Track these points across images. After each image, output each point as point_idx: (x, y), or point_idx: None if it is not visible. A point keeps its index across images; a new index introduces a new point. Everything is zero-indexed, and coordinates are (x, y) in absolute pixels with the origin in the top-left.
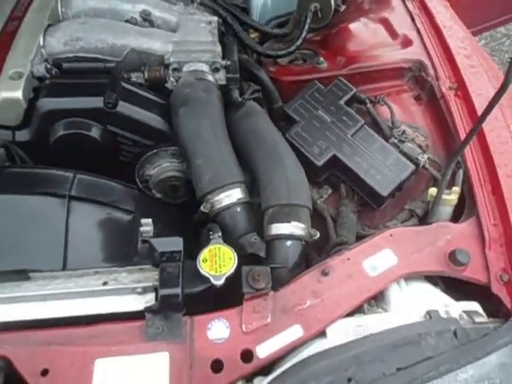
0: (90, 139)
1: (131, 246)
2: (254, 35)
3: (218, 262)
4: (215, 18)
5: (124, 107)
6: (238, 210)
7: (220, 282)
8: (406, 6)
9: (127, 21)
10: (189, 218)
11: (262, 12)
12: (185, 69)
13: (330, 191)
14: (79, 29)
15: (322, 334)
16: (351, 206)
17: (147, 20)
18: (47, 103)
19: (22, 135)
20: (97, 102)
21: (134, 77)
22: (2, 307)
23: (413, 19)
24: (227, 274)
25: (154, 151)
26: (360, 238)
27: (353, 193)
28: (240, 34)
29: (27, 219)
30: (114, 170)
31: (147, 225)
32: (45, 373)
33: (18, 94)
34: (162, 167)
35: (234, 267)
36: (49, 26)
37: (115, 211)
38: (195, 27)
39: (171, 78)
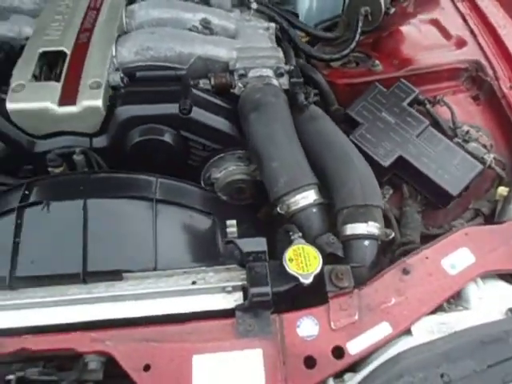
0: (164, 144)
1: (214, 246)
2: (303, 40)
3: (303, 261)
4: (273, 25)
5: (197, 113)
6: (314, 210)
7: (308, 281)
8: (456, 7)
9: (189, 29)
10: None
11: (307, 17)
12: (250, 74)
13: (391, 191)
14: (149, 38)
15: (407, 331)
16: (415, 206)
17: (207, 28)
18: (126, 111)
19: (99, 142)
20: (172, 108)
21: (202, 83)
22: (99, 306)
23: (465, 20)
24: (315, 273)
25: (222, 155)
26: (424, 237)
27: (416, 193)
28: (295, 39)
29: (118, 221)
30: (181, 174)
31: (232, 226)
32: (147, 368)
33: (99, 103)
34: (229, 170)
35: (320, 266)
36: (118, 36)
37: (196, 213)
38: (254, 34)
39: (239, 84)
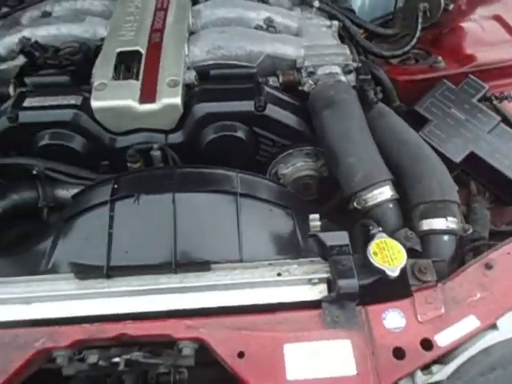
0: (238, 140)
1: (295, 239)
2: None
3: (388, 254)
4: (336, 22)
5: (272, 110)
6: (390, 206)
7: (395, 274)
8: None
9: (255, 28)
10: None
11: (359, 14)
12: (319, 72)
13: (456, 188)
14: (220, 38)
15: (492, 326)
16: (484, 202)
17: (271, 26)
18: (203, 108)
19: (174, 138)
20: (248, 105)
21: (271, 81)
22: (190, 295)
23: None
24: (401, 266)
25: (290, 151)
26: (493, 234)
27: (484, 189)
28: (356, 37)
29: (204, 214)
30: (249, 170)
31: (315, 220)
32: (241, 355)
33: (178, 101)
34: (297, 166)
35: (405, 259)
36: (188, 36)
37: (275, 207)
38: (318, 32)
39: (309, 81)
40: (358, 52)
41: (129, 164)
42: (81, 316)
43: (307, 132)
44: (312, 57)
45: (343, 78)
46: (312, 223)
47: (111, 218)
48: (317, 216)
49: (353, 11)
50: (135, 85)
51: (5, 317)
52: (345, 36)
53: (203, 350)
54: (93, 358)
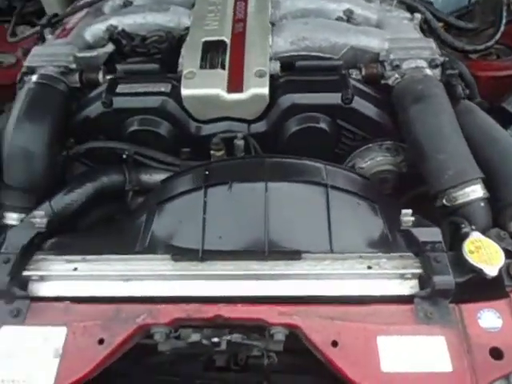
0: (321, 132)
1: (383, 233)
2: None
3: (485, 253)
4: (418, 15)
5: (358, 103)
6: (482, 204)
7: (493, 274)
8: None
9: (336, 20)
10: None
11: None
12: (404, 66)
13: None
14: (304, 29)
15: None
16: None
17: (351, 18)
18: (289, 99)
19: (257, 128)
20: (335, 98)
21: (354, 74)
22: (281, 283)
23: None
24: (499, 266)
25: (370, 145)
26: None
27: None
28: (438, 30)
29: (295, 204)
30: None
31: (407, 215)
32: (335, 344)
33: (265, 91)
34: (376, 160)
35: (503, 259)
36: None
37: (362, 200)
38: (399, 24)
39: (395, 75)
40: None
41: (212, 152)
42: (177, 296)
43: (390, 126)
44: (397, 50)
45: (430, 73)
46: (404, 218)
47: (205, 203)
48: (409, 211)
49: (431, 3)
50: (223, 74)
51: (107, 292)
52: (425, 29)
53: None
54: (195, 336)
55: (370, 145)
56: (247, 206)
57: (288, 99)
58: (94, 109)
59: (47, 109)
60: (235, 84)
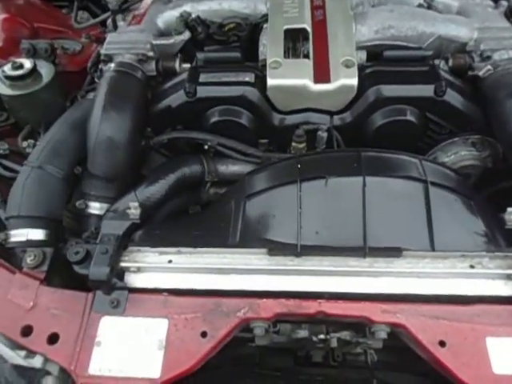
0: (410, 125)
1: (483, 231)
2: None
3: None
4: (504, 2)
5: (451, 96)
6: None
7: None
8: None
9: (417, 6)
10: None
11: None
12: (496, 57)
13: None
14: (390, 17)
15: None
16: None
17: (431, 5)
18: (379, 91)
19: (341, 119)
20: (427, 90)
21: (442, 65)
22: (381, 280)
23: None
24: None
25: (455, 139)
26: None
27: None
28: None
29: (394, 200)
30: None
31: (511, 213)
32: (442, 344)
33: (354, 82)
34: (461, 155)
35: None
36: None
37: (459, 197)
38: (485, 12)
39: (488, 66)
40: None
41: (294, 144)
42: (275, 291)
43: (479, 120)
44: (488, 40)
45: None
46: (508, 217)
47: (300, 197)
48: None
49: None
50: (308, 64)
51: (204, 285)
52: (509, 16)
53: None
54: (303, 333)
55: (456, 139)
56: (344, 200)
57: (377, 91)
58: (176, 98)
59: (130, 98)
60: (322, 74)
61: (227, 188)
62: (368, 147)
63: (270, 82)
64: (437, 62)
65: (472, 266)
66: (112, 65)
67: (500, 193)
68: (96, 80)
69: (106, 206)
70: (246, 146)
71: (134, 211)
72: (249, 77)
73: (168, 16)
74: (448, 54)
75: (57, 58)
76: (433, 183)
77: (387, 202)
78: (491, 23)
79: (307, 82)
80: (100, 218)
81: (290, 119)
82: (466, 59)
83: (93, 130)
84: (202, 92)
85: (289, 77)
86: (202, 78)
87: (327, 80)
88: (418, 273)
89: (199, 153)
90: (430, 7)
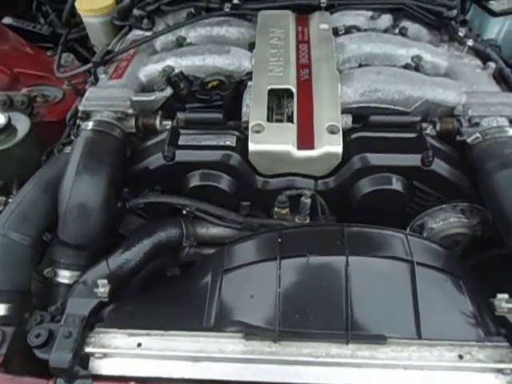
0: (395, 194)
1: (472, 316)
2: None
3: None
4: (492, 64)
5: (438, 165)
6: None
7: None
8: None
9: (404, 67)
10: None
11: None
12: (484, 123)
13: None
14: (376, 80)
15: None
16: None
17: (419, 65)
18: (364, 159)
19: (325, 184)
20: (414, 160)
21: (429, 129)
22: (365, 371)
23: None
24: None
25: (444, 206)
26: None
27: None
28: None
29: (378, 282)
30: (393, 221)
31: (502, 300)
32: None
33: (339, 149)
34: (450, 222)
35: None
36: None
37: (448, 276)
38: (473, 74)
39: (476, 134)
40: None
41: (276, 209)
42: (250, 381)
43: (468, 188)
44: (476, 106)
45: (510, 132)
46: (500, 304)
47: (279, 276)
48: (505, 296)
49: (499, 47)
50: (291, 128)
51: (173, 373)
52: (496, 77)
53: None
54: None
55: (444, 206)
56: (326, 281)
57: (362, 159)
58: (154, 160)
59: (105, 160)
60: (306, 140)
61: (205, 256)
62: (354, 213)
63: (252, 147)
64: (424, 125)
65: (461, 356)
66: (89, 123)
67: (488, 261)
68: (72, 137)
69: (76, 273)
70: (227, 211)
71: (103, 289)
72: (230, 140)
73: (151, 69)
74: (435, 117)
75: (34, 109)
76: (419, 263)
77: (371, 284)
78: (479, 86)
79: (290, 148)
80: (69, 286)
81: (273, 183)
82: (453, 124)
83: (64, 194)
84: (181, 156)
85: (271, 142)
86: (182, 140)
87: (311, 146)
88: (404, 365)
89: (178, 215)
90: (417, 67)
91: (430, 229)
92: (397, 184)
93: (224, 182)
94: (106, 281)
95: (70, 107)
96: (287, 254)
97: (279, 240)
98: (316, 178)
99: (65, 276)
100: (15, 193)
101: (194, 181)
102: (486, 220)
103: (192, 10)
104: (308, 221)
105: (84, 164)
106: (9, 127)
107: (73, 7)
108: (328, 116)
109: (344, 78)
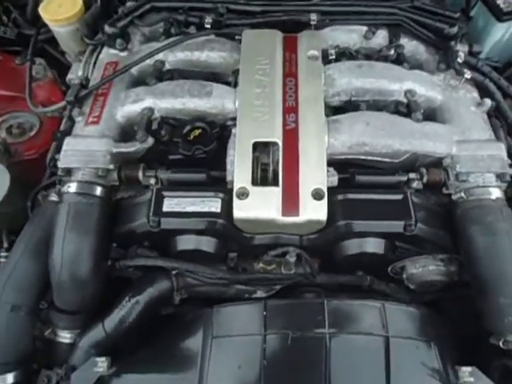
0: (378, 256)
1: (444, 381)
2: None
3: None
4: (488, 102)
5: (421, 230)
6: None
7: None
8: None
9: (397, 112)
10: None
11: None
12: (471, 179)
13: None
14: (364, 132)
15: None
16: None
17: (411, 101)
18: (348, 225)
19: (311, 241)
20: (397, 226)
21: (415, 183)
22: None
23: None
24: None
25: (424, 256)
26: None
27: None
28: (507, 113)
29: (357, 359)
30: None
31: (466, 374)
32: None
33: (323, 217)
34: (429, 270)
35: None
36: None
37: (421, 343)
38: (467, 113)
39: (462, 194)
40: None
41: (262, 265)
42: None
43: (449, 244)
44: (465, 161)
45: (499, 193)
46: (462, 374)
47: (263, 350)
48: (468, 369)
49: (496, 68)
50: (277, 193)
51: None
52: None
53: None
54: None
55: (425, 256)
56: (307, 357)
57: (347, 226)
58: (140, 226)
59: (91, 229)
60: (290, 206)
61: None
62: (338, 267)
63: (237, 214)
64: (412, 176)
65: None
66: (71, 185)
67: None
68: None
69: (76, 331)
70: (215, 270)
71: (102, 368)
72: (215, 206)
73: (128, 110)
74: (423, 167)
75: (12, 148)
76: (393, 336)
77: (349, 359)
78: (472, 133)
79: (275, 216)
80: (71, 345)
81: (259, 239)
82: (441, 176)
83: (55, 267)
84: (166, 224)
85: (256, 209)
86: (166, 205)
87: (295, 213)
88: None
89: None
90: (409, 105)
91: (410, 273)
92: (380, 248)
93: (210, 245)
94: (104, 358)
95: (48, 140)
96: (272, 331)
97: (264, 313)
98: (301, 235)
99: (65, 337)
100: (5, 245)
101: (181, 245)
102: (463, 267)
103: (169, 22)
104: (293, 272)
105: (69, 238)
106: None
107: (37, 2)
108: (314, 178)
109: (331, 129)
